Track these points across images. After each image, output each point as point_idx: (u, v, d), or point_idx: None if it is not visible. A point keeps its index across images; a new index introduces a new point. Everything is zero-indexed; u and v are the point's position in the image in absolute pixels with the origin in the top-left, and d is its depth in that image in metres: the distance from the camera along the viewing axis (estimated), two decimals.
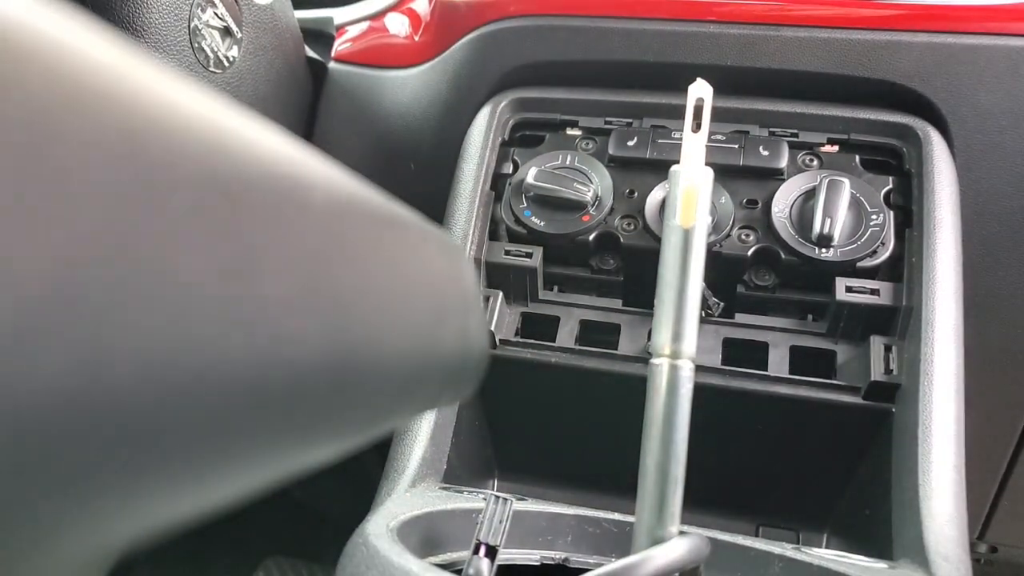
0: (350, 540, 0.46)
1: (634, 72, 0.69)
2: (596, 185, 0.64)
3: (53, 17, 0.12)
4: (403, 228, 0.20)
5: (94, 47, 0.12)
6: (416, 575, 0.40)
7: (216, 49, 0.65)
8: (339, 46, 0.82)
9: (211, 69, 0.65)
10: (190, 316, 0.12)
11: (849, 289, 0.58)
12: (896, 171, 0.64)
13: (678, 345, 0.27)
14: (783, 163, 0.63)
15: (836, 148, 0.65)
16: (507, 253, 0.64)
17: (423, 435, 0.58)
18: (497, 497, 0.46)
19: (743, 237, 0.62)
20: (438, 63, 0.76)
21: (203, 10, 0.63)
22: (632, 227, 0.64)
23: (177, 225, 0.12)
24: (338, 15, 0.84)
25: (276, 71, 0.73)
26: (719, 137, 0.65)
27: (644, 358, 0.60)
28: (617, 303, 0.64)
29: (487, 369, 0.28)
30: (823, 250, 0.60)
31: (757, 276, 0.62)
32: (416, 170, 0.78)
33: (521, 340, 0.63)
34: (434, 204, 0.68)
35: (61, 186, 0.10)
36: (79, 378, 0.10)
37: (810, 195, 0.62)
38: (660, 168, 0.64)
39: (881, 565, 0.49)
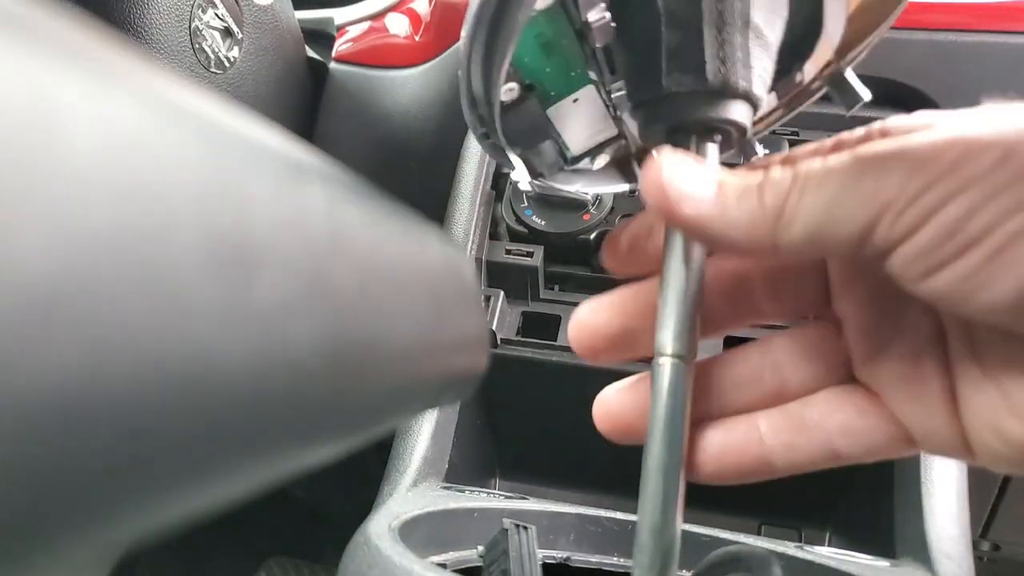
0: (352, 540, 0.46)
1: None
2: None
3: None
4: (403, 228, 0.20)
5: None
6: (418, 575, 0.40)
7: (217, 50, 0.65)
8: (339, 46, 0.82)
9: (212, 70, 0.65)
10: (190, 315, 0.12)
11: None
12: None
13: (680, 344, 0.27)
14: None
15: None
16: (508, 252, 0.64)
17: (424, 434, 0.58)
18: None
19: None
20: (438, 63, 0.76)
21: (204, 11, 0.63)
22: None
23: (177, 223, 0.12)
24: (338, 15, 0.84)
25: (277, 71, 0.73)
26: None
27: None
28: None
29: (488, 368, 0.28)
30: None
31: None
32: (416, 170, 0.78)
33: (522, 339, 0.63)
34: (435, 204, 0.68)
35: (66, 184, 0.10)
36: (81, 377, 0.10)
37: None
38: None
39: (884, 563, 0.49)
